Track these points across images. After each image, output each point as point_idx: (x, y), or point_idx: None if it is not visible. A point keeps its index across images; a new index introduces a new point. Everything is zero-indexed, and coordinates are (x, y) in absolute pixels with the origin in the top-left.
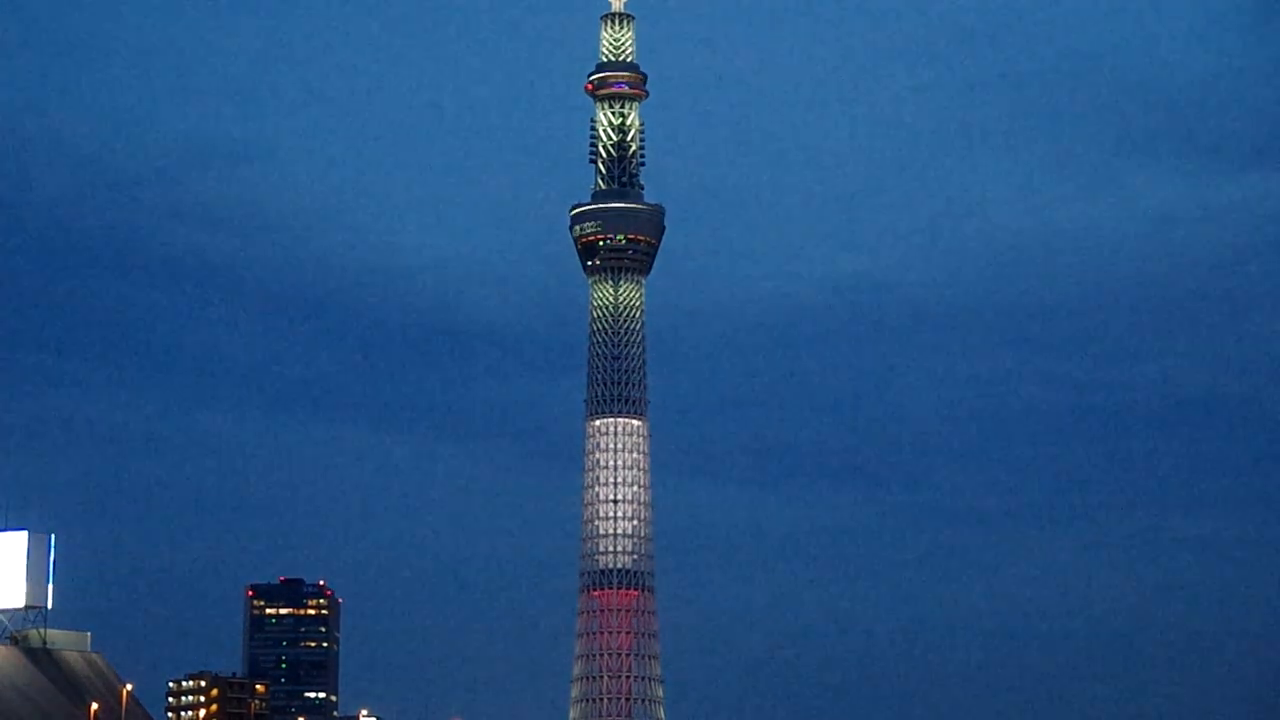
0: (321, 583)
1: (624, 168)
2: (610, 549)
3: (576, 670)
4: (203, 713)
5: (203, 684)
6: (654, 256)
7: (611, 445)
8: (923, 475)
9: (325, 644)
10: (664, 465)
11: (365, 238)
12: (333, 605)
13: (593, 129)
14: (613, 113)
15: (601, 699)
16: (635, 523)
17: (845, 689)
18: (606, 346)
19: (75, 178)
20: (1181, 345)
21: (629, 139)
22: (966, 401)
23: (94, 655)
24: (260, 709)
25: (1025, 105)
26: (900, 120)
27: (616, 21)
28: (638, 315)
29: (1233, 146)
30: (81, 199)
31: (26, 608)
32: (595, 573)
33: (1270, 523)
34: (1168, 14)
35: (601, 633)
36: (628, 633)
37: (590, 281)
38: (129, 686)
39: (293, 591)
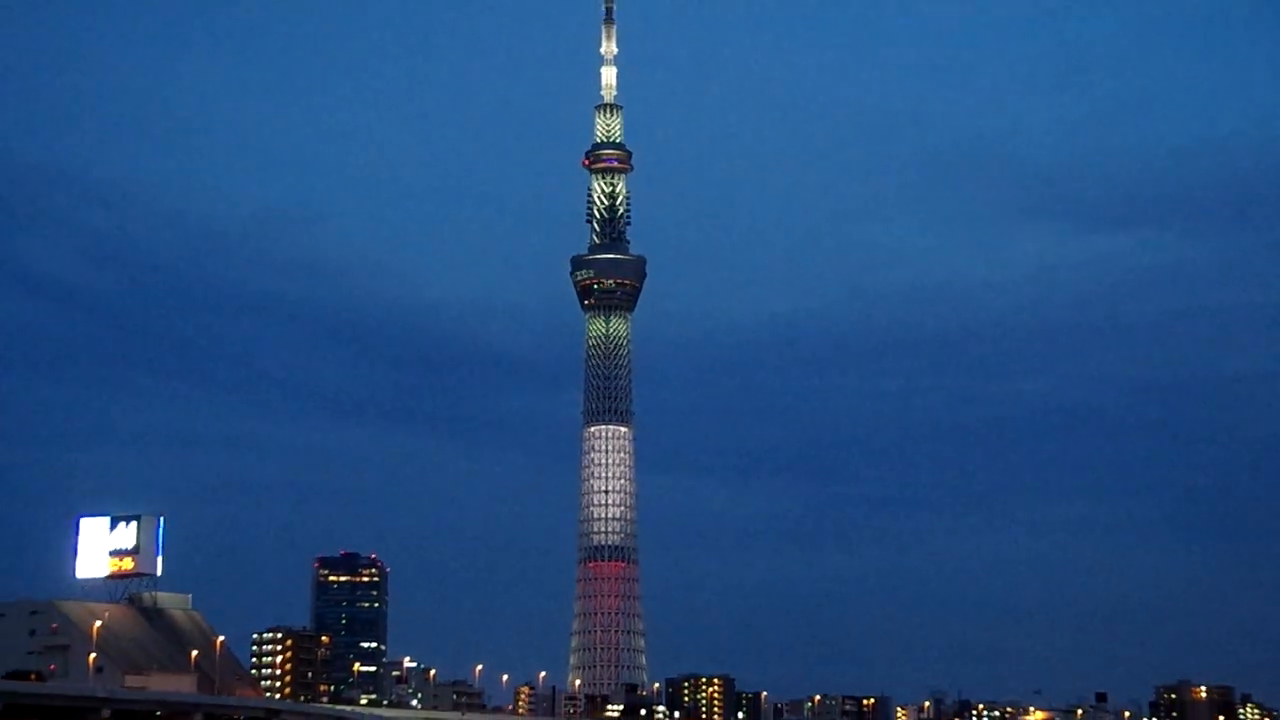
0: (374, 555)
1: (614, 226)
2: (602, 529)
3: (575, 625)
4: (279, 658)
5: (279, 635)
6: (638, 297)
7: (603, 447)
8: (851, 471)
9: (377, 604)
10: (646, 463)
11: (407, 283)
12: (383, 573)
13: (588, 195)
14: (604, 182)
15: (595, 648)
16: (622, 509)
17: (790, 639)
18: (599, 368)
19: (177, 235)
20: (1057, 367)
21: (618, 203)
22: (885, 412)
23: (194, 613)
24: (325, 656)
25: (934, 176)
26: (834, 188)
27: (608, 110)
28: (625, 343)
29: (1098, 211)
30: (183, 252)
31: (140, 575)
32: (590, 548)
33: (1128, 507)
34: (1047, 104)
35: (595, 596)
36: (616, 596)
37: (586, 317)
38: (222, 638)
39: (351, 562)
